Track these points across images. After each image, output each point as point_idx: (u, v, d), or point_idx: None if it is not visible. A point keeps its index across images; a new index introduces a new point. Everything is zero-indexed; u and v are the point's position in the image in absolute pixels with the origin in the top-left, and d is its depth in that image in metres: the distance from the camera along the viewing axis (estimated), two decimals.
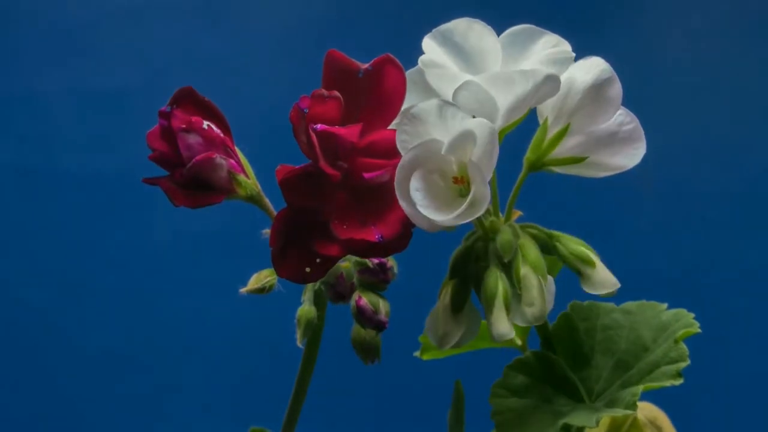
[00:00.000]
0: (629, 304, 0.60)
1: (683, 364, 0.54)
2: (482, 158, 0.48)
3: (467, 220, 0.49)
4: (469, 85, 0.49)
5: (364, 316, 0.57)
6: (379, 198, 0.51)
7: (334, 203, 0.51)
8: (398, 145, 0.50)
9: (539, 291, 0.51)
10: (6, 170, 1.30)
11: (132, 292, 1.29)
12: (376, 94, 0.52)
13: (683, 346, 0.55)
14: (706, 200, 1.30)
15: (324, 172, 0.51)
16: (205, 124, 0.55)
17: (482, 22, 0.53)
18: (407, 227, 0.50)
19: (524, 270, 0.52)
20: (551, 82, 0.50)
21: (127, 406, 1.28)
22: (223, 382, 1.29)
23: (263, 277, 0.58)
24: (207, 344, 1.29)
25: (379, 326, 0.57)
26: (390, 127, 0.53)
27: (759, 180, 1.30)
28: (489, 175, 0.48)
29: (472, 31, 0.52)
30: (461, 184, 0.50)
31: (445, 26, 0.53)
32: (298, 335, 0.58)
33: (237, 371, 1.29)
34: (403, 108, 0.53)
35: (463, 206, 0.48)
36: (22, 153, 1.31)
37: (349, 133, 0.51)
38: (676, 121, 1.30)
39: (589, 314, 0.60)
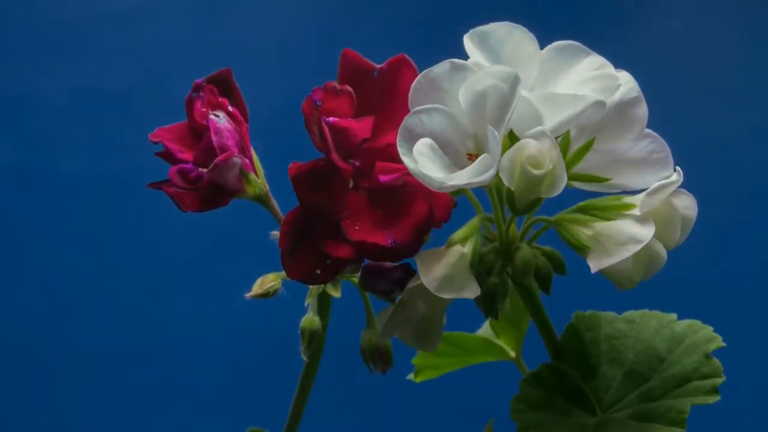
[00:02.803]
0: (632, 314, 0.59)
1: (719, 381, 0.53)
2: (498, 120, 0.47)
3: (476, 180, 0.46)
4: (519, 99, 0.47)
5: (382, 269, 0.53)
6: (394, 202, 0.50)
7: (347, 203, 0.51)
8: (410, 103, 0.48)
9: (630, 227, 0.49)
10: (5, 170, 1.30)
11: (133, 292, 1.29)
12: (390, 94, 0.52)
13: (717, 362, 0.54)
14: (706, 202, 1.30)
15: (336, 165, 0.50)
16: (230, 107, 0.55)
17: (523, 29, 0.51)
18: (420, 234, 0.50)
19: (590, 231, 0.50)
20: (598, 107, 0.48)
21: (128, 406, 1.28)
22: (224, 382, 1.29)
23: (268, 282, 0.57)
24: (207, 345, 1.29)
25: (399, 269, 0.53)
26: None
27: (759, 179, 1.31)
28: (504, 125, 0.47)
29: (511, 37, 0.50)
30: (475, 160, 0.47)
31: (483, 28, 0.51)
32: (303, 348, 0.57)
33: (237, 372, 1.29)
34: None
35: (474, 164, 0.46)
36: (22, 153, 1.30)
37: (361, 127, 0.51)
38: (677, 121, 1.30)
39: (592, 324, 0.59)
